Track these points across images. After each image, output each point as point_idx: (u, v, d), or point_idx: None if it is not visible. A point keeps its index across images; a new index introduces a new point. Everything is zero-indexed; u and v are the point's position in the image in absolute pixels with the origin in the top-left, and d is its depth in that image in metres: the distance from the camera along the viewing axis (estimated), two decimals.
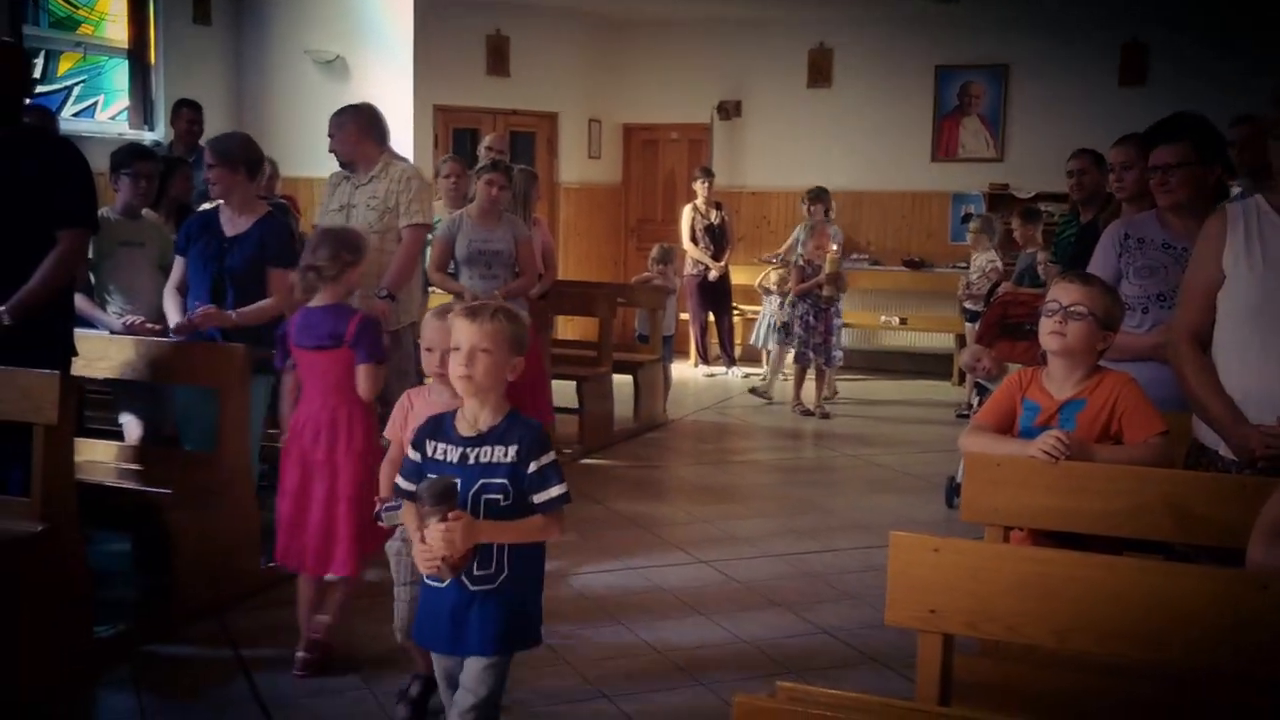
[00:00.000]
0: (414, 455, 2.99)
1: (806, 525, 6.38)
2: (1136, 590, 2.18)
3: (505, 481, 2.89)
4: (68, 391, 4.05)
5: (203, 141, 7.04)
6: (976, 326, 7.88)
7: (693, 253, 10.82)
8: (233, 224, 5.07)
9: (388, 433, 3.71)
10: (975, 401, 7.47)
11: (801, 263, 9.48)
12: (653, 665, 4.41)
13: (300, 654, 4.25)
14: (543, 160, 11.73)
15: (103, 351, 5.03)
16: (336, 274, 4.20)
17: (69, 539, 4.14)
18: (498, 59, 11.39)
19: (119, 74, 9.97)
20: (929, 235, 11.91)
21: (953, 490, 6.45)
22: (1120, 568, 2.25)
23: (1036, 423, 3.23)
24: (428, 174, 7.82)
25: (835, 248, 9.48)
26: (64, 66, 9.53)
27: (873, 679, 4.30)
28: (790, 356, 9.77)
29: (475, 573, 2.91)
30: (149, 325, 5.26)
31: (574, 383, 7.88)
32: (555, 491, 2.91)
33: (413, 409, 3.58)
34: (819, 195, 9.95)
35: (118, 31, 9.93)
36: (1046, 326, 3.25)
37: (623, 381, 8.55)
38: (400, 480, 3.02)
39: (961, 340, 10.45)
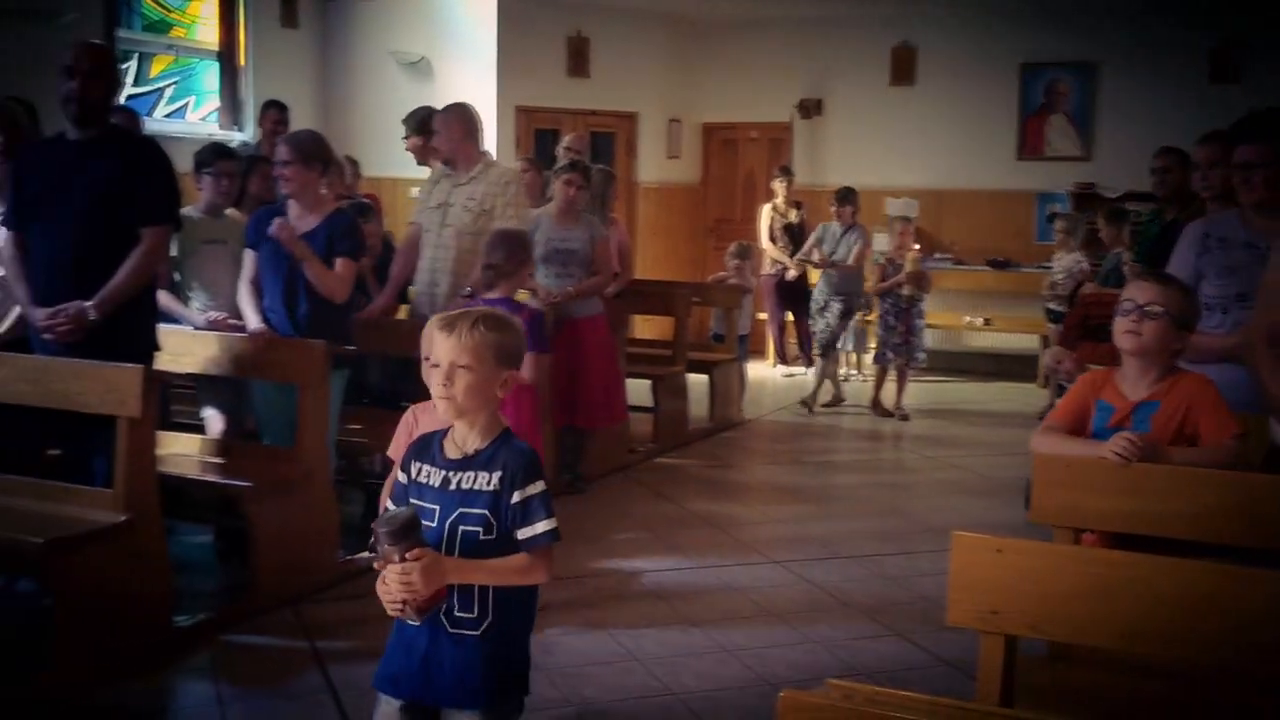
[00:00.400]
0: (400, 477, 2.70)
1: (882, 528, 6.32)
2: (1203, 594, 2.14)
3: (485, 513, 2.55)
4: (150, 385, 4.16)
5: None
6: (1060, 328, 7.75)
7: (771, 252, 10.75)
8: (302, 221, 5.13)
9: (390, 451, 3.41)
10: (1056, 404, 7.35)
11: (883, 261, 9.40)
12: (721, 665, 4.40)
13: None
14: (621, 160, 11.76)
15: (186, 347, 5.14)
16: (511, 271, 4.70)
17: (150, 529, 4.25)
18: (578, 60, 11.45)
19: (209, 76, 10.21)
20: (1014, 235, 11.73)
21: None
22: (1185, 571, 2.20)
23: (1110, 424, 3.18)
24: None
25: (916, 246, 9.37)
26: (156, 69, 9.77)
27: (945, 683, 4.25)
28: (835, 363, 9.64)
29: (455, 614, 2.57)
30: (231, 321, 5.36)
31: (649, 382, 7.89)
32: (541, 527, 2.54)
33: (418, 426, 3.32)
34: (847, 196, 9.61)
35: (208, 34, 10.17)
36: (1121, 325, 3.20)
37: (698, 381, 8.54)
38: (389, 504, 2.73)
39: (1046, 342, 10.28)
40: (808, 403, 9.51)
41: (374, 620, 4.49)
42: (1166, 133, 8.18)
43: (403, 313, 6.30)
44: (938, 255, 11.49)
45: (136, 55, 9.55)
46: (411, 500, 2.60)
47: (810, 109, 12.24)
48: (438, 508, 2.58)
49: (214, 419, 5.43)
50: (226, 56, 10.24)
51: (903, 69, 11.99)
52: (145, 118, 9.06)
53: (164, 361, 4.82)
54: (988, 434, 8.91)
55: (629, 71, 11.73)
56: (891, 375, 9.45)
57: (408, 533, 2.44)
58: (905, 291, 9.16)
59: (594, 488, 6.76)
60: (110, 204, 4.36)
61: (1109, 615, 2.23)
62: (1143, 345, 3.14)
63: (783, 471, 7.87)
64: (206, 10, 10.13)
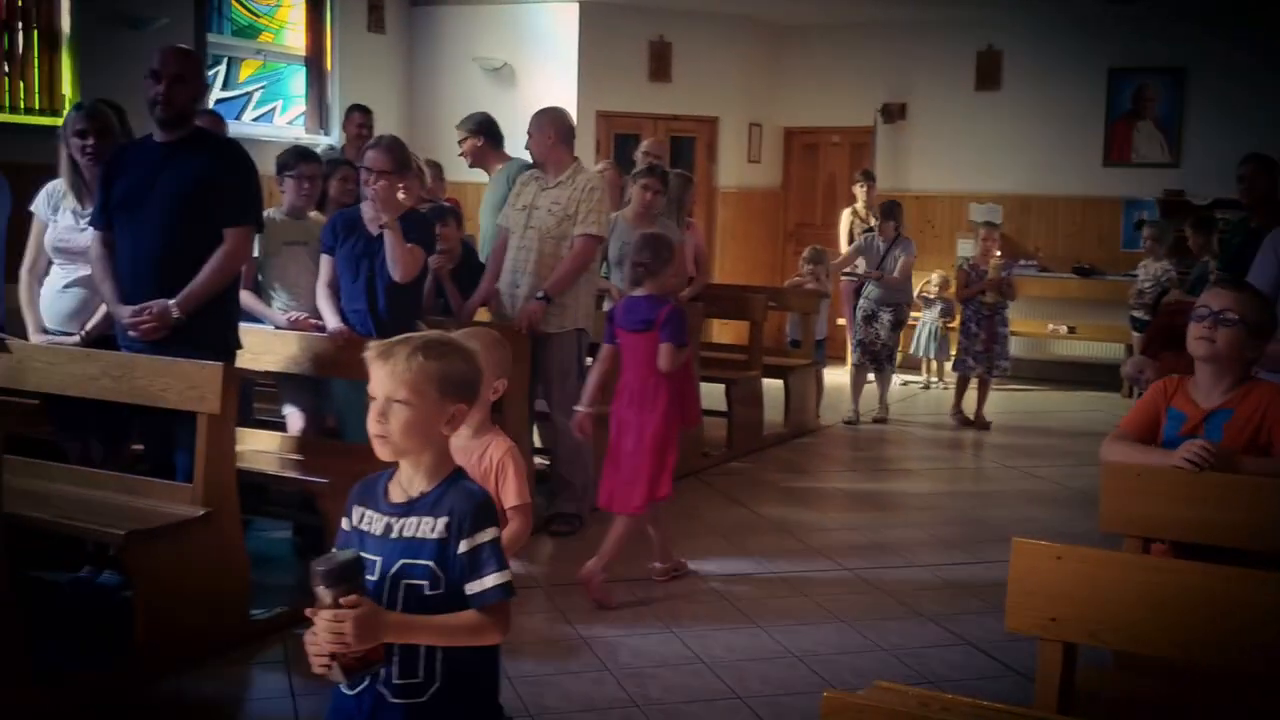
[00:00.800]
0: (345, 523, 2.42)
1: (957, 536, 6.26)
2: (1263, 605, 2.10)
3: (430, 564, 2.26)
4: (230, 382, 4.26)
5: None
6: (1144, 336, 7.62)
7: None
8: (377, 223, 5.19)
9: None
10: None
11: (966, 267, 9.30)
12: (788, 670, 4.39)
13: (656, 565, 5.23)
14: (701, 165, 11.77)
15: (267, 346, 5.25)
16: (657, 270, 5.03)
17: (228, 523, 4.35)
18: (660, 65, 11.49)
19: (297, 80, 10.41)
20: (1100, 242, 11.55)
21: None
22: (1246, 580, 2.16)
23: (1181, 432, 3.13)
24: None
25: (999, 253, 9.26)
26: (245, 73, 9.99)
27: (1013, 692, 4.17)
28: (890, 376, 9.48)
29: (396, 681, 2.28)
30: (311, 321, 5.46)
31: (723, 386, 7.88)
32: (491, 581, 2.25)
33: None
34: (891, 211, 9.29)
35: (296, 39, 10.37)
36: (1195, 332, 3.15)
37: (774, 386, 8.51)
38: (335, 551, 2.38)
39: (1130, 351, 10.10)
40: (851, 420, 9.22)
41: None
42: (1256, 139, 8.03)
43: (482, 314, 6.36)
44: (1022, 262, 11.33)
45: (226, 60, 9.77)
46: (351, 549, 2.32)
47: (894, 113, 12.15)
48: (379, 558, 2.29)
49: (294, 416, 5.53)
50: (314, 61, 10.44)
51: (988, 73, 11.85)
52: (233, 121, 9.30)
53: (245, 360, 4.92)
54: (1069, 444, 8.77)
55: (710, 76, 11.73)
56: (974, 383, 9.33)
57: (347, 576, 2.17)
58: (988, 298, 9.04)
59: None
60: (194, 205, 4.46)
61: (1168, 624, 2.20)
62: (1216, 352, 3.09)
63: (857, 478, 7.81)
64: (294, 16, 10.34)
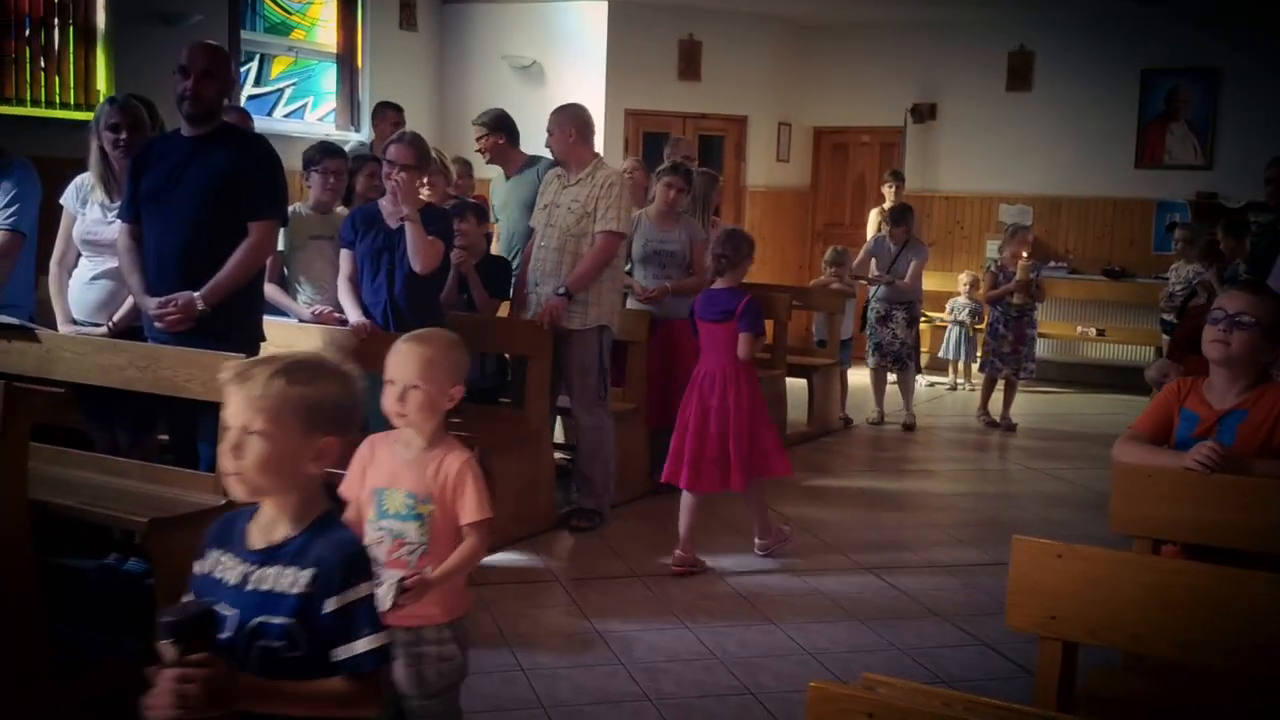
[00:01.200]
0: (196, 566, 2.12)
1: (977, 537, 6.25)
2: (1264, 606, 2.10)
3: (291, 622, 1.96)
4: None
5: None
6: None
7: None
8: (397, 216, 5.24)
9: (342, 489, 2.97)
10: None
11: (994, 269, 9.26)
12: (801, 667, 4.41)
13: (678, 552, 5.39)
14: (730, 164, 11.77)
15: (291, 338, 5.30)
16: (737, 262, 5.39)
17: None
18: (689, 63, 11.50)
19: (328, 77, 10.49)
20: (1130, 244, 11.48)
21: None
22: (1248, 581, 2.16)
23: (1194, 433, 3.13)
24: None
25: (1026, 254, 9.22)
26: (277, 69, 10.08)
27: (1027, 693, 4.14)
28: (913, 376, 9.43)
29: None
30: (336, 315, 5.52)
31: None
32: (363, 645, 1.95)
33: (373, 459, 2.96)
34: (901, 217, 9.13)
35: (328, 36, 10.45)
36: (1209, 335, 3.15)
37: (798, 385, 8.51)
38: (185, 600, 2.08)
39: (1160, 354, 10.03)
40: (876, 422, 9.20)
41: (491, 606, 4.62)
42: None
43: (504, 310, 6.40)
44: (1052, 264, 11.29)
45: (258, 56, 9.86)
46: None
47: (924, 113, 12.12)
48: (235, 612, 1.99)
49: None
50: (345, 58, 10.52)
51: (1019, 74, 11.80)
52: (265, 117, 9.39)
53: (269, 352, 4.97)
54: (1095, 447, 8.69)
55: (740, 75, 11.73)
56: (1000, 385, 9.29)
57: (197, 630, 1.86)
58: (1015, 300, 9.01)
59: None
60: (220, 199, 4.52)
61: (1169, 623, 2.20)
62: (1230, 355, 3.09)
63: (879, 478, 7.80)
64: (326, 13, 10.42)
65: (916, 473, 8.00)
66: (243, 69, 9.56)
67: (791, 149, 12.52)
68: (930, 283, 11.09)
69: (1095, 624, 2.27)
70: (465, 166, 7.87)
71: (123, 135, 4.90)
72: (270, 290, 5.28)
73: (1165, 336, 9.41)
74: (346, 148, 6.68)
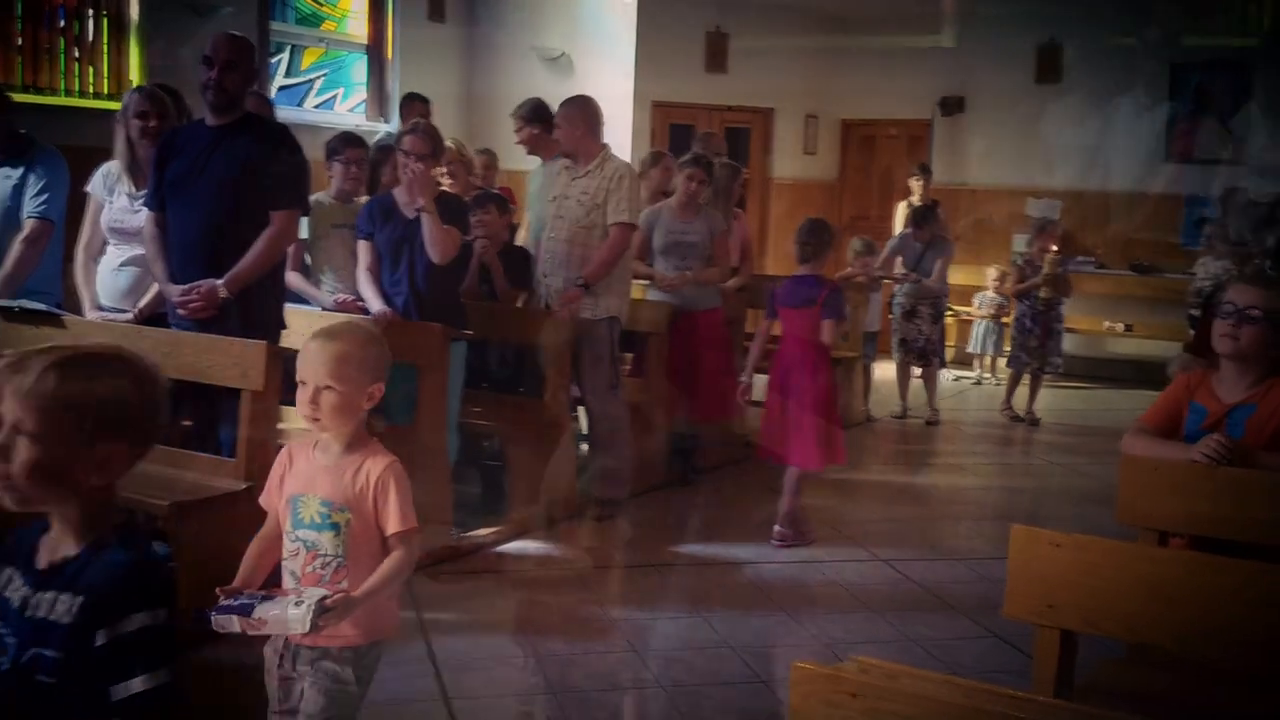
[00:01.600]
0: None
1: (995, 531, 6.23)
2: (1260, 596, 2.11)
3: (62, 655, 1.72)
4: (274, 361, 4.35)
5: None
6: None
7: None
8: (412, 207, 5.27)
9: (261, 500, 2.83)
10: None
11: (1021, 263, 9.23)
12: (814, 657, 4.41)
13: (777, 528, 5.69)
14: (756, 156, 11.76)
15: (312, 326, 5.32)
16: (819, 252, 5.68)
17: None
18: (716, 55, 11.50)
19: (358, 68, 10.56)
20: (1159, 239, 11.39)
21: None
22: (1245, 572, 2.17)
23: (1203, 426, 3.14)
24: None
25: (1054, 248, 9.18)
26: (307, 60, 10.16)
27: None
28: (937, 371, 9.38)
29: None
30: (358, 303, 5.57)
31: (766, 377, 7.87)
32: (138, 685, 1.70)
33: (291, 467, 2.78)
34: (925, 217, 9.05)
35: (358, 28, 10.53)
36: (1219, 329, 3.15)
37: None
38: None
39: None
40: (900, 416, 9.18)
41: (482, 595, 4.66)
42: None
43: (521, 300, 6.44)
44: (1079, 258, 11.22)
45: (289, 48, 9.94)
46: None
47: (952, 106, 12.07)
48: (15, 641, 1.76)
49: None
50: (375, 49, 10.59)
51: (1049, 67, 11.74)
52: (295, 108, 9.47)
53: (290, 339, 5.03)
54: (1119, 443, 8.66)
55: (766, 67, 11.72)
56: (1026, 379, 9.26)
57: None
58: (1042, 294, 8.98)
59: (705, 479, 6.82)
60: (242, 188, 4.57)
61: (1165, 613, 2.21)
62: (1239, 349, 3.09)
63: (901, 471, 7.81)
64: (357, 4, 10.49)
65: (939, 466, 7.99)
66: (273, 60, 9.64)
67: (819, 141, 12.49)
68: (957, 277, 11.05)
69: (1092, 612, 2.28)
70: (490, 157, 7.89)
71: (152, 123, 4.98)
72: (293, 278, 5.33)
73: (1193, 332, 9.34)
74: (375, 139, 6.73)
